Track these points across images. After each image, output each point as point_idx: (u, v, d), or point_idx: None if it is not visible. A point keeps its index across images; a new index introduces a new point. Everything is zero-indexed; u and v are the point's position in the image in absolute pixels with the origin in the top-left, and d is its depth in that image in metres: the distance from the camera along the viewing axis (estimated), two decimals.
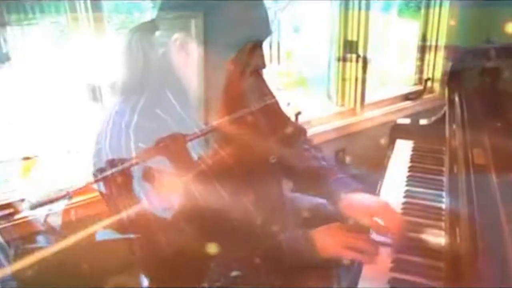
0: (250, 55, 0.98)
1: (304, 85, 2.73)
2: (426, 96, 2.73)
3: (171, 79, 1.00)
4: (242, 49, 0.96)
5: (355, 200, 1.13)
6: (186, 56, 0.98)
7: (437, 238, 1.08)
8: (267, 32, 1.02)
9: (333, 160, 1.38)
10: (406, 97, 2.66)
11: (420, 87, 2.74)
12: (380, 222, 1.08)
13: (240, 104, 1.08)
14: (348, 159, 2.37)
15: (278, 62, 2.39)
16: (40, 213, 1.41)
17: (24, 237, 1.39)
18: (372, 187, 1.36)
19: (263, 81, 1.23)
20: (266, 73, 1.90)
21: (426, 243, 1.08)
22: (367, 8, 2.26)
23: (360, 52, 2.31)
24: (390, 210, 1.10)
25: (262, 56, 1.02)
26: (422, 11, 2.70)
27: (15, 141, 1.46)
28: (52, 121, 1.48)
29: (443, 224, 1.13)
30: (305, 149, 1.31)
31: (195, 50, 0.97)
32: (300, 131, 1.38)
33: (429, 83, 2.75)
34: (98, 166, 0.92)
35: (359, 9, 2.24)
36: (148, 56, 0.99)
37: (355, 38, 2.30)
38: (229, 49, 0.96)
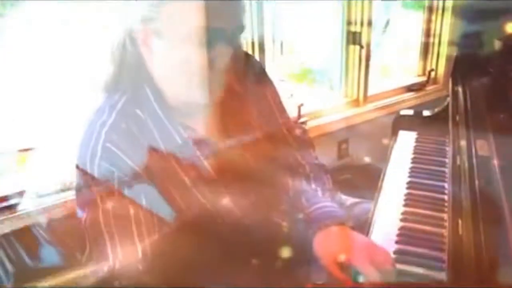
0: (211, 50, 0.90)
1: (307, 76, 2.73)
2: (430, 87, 2.72)
3: (147, 77, 0.95)
4: (202, 44, 0.88)
5: (332, 237, 1.00)
6: (150, 51, 0.93)
7: (439, 229, 1.08)
8: (232, 26, 0.92)
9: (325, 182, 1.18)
10: (410, 88, 2.65)
11: (424, 78, 2.73)
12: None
13: (216, 108, 1.02)
14: (351, 150, 2.37)
15: (281, 53, 2.39)
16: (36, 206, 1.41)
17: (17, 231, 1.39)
18: (375, 179, 1.36)
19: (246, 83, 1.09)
20: (269, 64, 1.92)
21: (428, 234, 1.08)
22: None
23: (363, 43, 2.30)
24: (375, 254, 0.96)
25: (225, 53, 0.91)
26: (426, 1, 2.68)
27: (11, 132, 1.46)
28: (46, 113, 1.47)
29: (445, 215, 1.12)
30: (300, 165, 1.19)
31: (157, 44, 0.91)
32: (303, 143, 1.25)
33: (432, 74, 2.73)
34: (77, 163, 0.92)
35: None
36: (126, 51, 0.95)
37: (358, 29, 2.29)
38: (189, 43, 0.89)
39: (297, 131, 1.24)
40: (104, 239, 0.88)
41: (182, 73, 0.92)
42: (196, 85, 0.92)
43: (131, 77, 0.95)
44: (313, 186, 1.15)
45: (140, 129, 0.93)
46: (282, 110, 1.20)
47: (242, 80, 1.06)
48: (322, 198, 1.11)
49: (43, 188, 1.44)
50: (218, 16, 0.88)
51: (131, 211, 0.89)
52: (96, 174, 0.89)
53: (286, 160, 1.17)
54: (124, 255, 0.87)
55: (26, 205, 1.42)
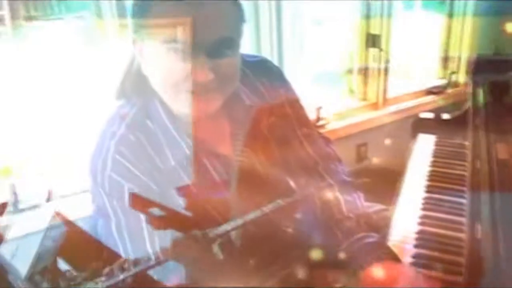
0: (176, 63, 0.84)
1: (325, 79, 2.72)
2: (450, 90, 2.69)
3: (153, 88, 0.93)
4: (168, 54, 0.84)
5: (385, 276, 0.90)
6: (145, 62, 0.91)
7: (458, 233, 1.07)
8: (211, 39, 0.84)
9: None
10: (430, 91, 2.63)
11: (445, 81, 2.70)
12: None
13: (223, 121, 0.99)
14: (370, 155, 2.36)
15: (300, 56, 2.38)
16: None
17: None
18: (394, 182, 1.35)
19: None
20: (289, 67, 1.92)
21: (446, 238, 1.07)
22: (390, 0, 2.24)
23: (383, 46, 2.29)
24: None
25: (207, 67, 0.84)
26: (447, 2, 2.66)
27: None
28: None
29: (464, 219, 1.11)
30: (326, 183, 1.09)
31: (146, 53, 0.89)
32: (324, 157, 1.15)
33: (453, 77, 2.71)
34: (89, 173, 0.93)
35: (382, 1, 2.22)
36: (134, 61, 0.94)
37: (377, 32, 2.28)
38: (167, 56, 0.84)
39: (321, 144, 1.17)
40: (118, 248, 0.89)
41: (168, 85, 0.88)
42: (184, 99, 0.88)
43: (140, 88, 0.94)
44: (345, 211, 1.05)
45: (149, 141, 0.92)
46: (303, 120, 1.13)
47: (252, 91, 1.02)
48: (358, 227, 1.02)
49: (65, 189, 1.47)
50: (188, 27, 0.82)
51: (143, 221, 0.89)
52: (106, 186, 0.90)
53: (308, 177, 1.08)
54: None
55: (48, 206, 1.44)
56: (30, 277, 0.81)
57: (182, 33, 0.82)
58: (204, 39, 0.83)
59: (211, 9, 0.83)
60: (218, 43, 0.84)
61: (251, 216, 0.87)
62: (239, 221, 0.86)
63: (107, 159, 0.90)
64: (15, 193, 1.41)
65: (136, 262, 0.76)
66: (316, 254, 0.98)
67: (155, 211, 0.91)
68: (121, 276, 0.72)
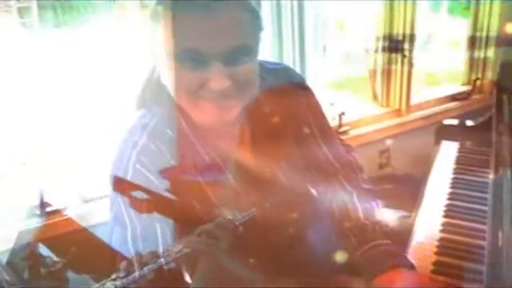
0: (193, 71, 0.85)
1: (349, 85, 2.72)
2: (475, 97, 2.66)
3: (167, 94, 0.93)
4: (184, 63, 0.85)
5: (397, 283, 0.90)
6: (162, 69, 0.91)
7: (479, 241, 1.06)
8: (216, 46, 0.84)
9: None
10: (454, 97, 2.60)
11: (469, 87, 2.67)
12: None
13: (243, 129, 0.99)
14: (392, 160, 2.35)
15: (323, 62, 2.39)
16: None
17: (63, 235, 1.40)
18: (416, 189, 1.35)
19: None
20: (312, 73, 1.93)
21: (468, 246, 1.06)
22: (414, 5, 2.22)
23: (406, 52, 2.27)
24: None
25: (219, 73, 0.84)
26: (472, 7, 2.63)
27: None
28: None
29: (486, 227, 1.11)
30: (346, 191, 1.09)
31: (165, 62, 0.89)
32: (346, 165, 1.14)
33: (478, 83, 2.67)
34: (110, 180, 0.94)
35: (405, 6, 2.21)
36: (155, 70, 0.96)
37: (400, 37, 2.27)
38: (172, 61, 0.85)
39: (342, 152, 1.16)
40: (131, 255, 0.91)
41: (186, 93, 0.89)
42: (202, 106, 0.88)
43: (161, 97, 0.95)
44: (362, 217, 1.04)
45: (170, 150, 0.93)
46: (324, 128, 1.12)
47: (272, 98, 1.01)
48: (373, 234, 1.01)
49: (89, 193, 1.50)
50: (202, 37, 0.84)
51: (158, 230, 0.90)
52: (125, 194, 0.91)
53: (327, 185, 1.09)
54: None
55: (72, 210, 1.47)
56: (10, 264, 0.82)
57: (198, 41, 0.83)
58: (220, 47, 0.84)
59: (227, 17, 0.84)
60: (234, 50, 0.85)
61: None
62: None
63: (128, 168, 0.91)
64: (42, 197, 1.44)
65: (152, 257, 0.76)
66: (330, 260, 0.99)
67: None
68: (137, 273, 0.72)
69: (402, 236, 1.14)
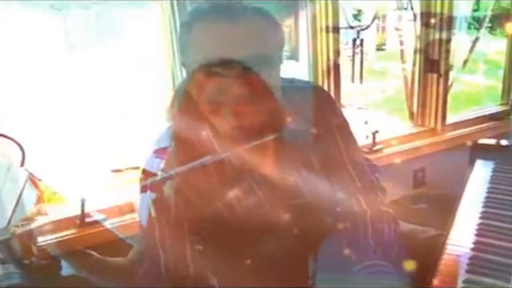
0: (203, 83, 0.89)
1: (386, 104, 2.73)
2: None
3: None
4: (196, 74, 0.90)
5: None
6: (188, 78, 0.97)
7: (510, 260, 1.06)
8: (236, 54, 0.89)
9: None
10: (491, 117, 2.56)
11: (507, 107, 2.63)
12: None
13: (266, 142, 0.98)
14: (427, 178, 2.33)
15: (360, 81, 2.41)
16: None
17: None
18: (450, 208, 1.34)
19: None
20: (347, 92, 1.95)
21: (499, 265, 1.06)
22: (449, 26, 2.23)
23: (442, 71, 2.27)
24: None
25: (219, 87, 0.88)
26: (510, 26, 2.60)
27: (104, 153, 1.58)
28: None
29: None
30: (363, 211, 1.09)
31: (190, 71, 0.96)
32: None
33: None
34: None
35: (441, 28, 2.21)
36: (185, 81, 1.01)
37: (436, 57, 2.27)
38: (195, 69, 0.90)
39: (366, 171, 1.16)
40: (159, 259, 0.95)
41: (208, 102, 0.91)
42: (223, 114, 0.91)
43: (189, 108, 0.95)
44: (369, 238, 1.06)
45: (195, 159, 0.95)
46: (350, 148, 1.13)
47: (300, 116, 1.03)
48: (373, 255, 1.03)
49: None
50: (224, 45, 0.89)
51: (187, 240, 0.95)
52: (152, 202, 0.96)
53: (345, 202, 1.10)
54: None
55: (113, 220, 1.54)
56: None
57: (220, 49, 0.89)
58: (240, 55, 0.88)
59: (247, 27, 0.90)
60: (253, 59, 0.89)
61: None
62: None
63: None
64: (83, 207, 1.51)
65: None
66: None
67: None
68: None
69: (434, 253, 1.14)
